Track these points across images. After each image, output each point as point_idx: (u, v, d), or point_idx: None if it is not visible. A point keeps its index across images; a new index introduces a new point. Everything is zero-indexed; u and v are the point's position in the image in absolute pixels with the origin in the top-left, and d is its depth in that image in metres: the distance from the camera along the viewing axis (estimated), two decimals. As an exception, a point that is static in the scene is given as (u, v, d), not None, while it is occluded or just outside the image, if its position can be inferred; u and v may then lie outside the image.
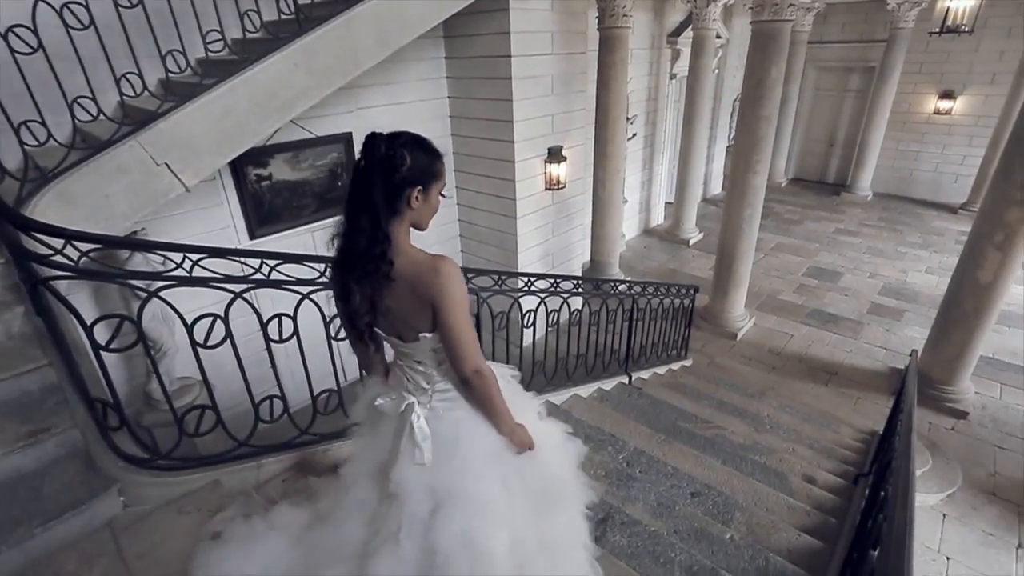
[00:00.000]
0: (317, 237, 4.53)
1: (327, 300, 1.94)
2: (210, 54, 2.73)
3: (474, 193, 5.56)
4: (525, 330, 2.90)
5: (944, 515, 3.86)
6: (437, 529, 1.31)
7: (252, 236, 4.11)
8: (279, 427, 2.08)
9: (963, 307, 4.66)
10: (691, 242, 9.18)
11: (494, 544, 1.32)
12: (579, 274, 6.66)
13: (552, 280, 3.16)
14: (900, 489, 1.27)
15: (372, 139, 1.24)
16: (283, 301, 1.91)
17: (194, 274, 1.71)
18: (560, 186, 5.51)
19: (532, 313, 2.94)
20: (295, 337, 1.93)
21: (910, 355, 3.79)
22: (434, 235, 5.65)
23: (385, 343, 1.45)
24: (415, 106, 4.97)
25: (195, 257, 1.71)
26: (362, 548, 1.39)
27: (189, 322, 1.70)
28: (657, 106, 8.86)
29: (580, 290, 3.47)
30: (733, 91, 10.91)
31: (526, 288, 2.90)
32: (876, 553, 1.18)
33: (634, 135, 8.12)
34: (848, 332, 6.37)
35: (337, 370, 2.21)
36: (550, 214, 5.75)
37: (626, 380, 4.27)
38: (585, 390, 3.78)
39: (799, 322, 6.61)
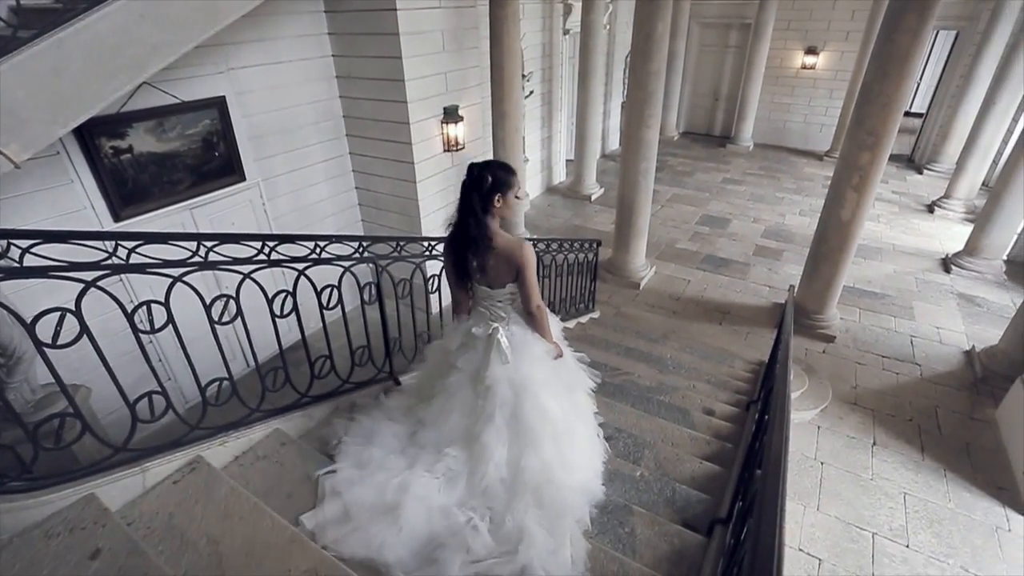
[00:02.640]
0: (197, 216, 4.10)
1: (205, 282, 1.75)
2: (23, 1, 2.29)
3: (371, 159, 5.29)
4: (431, 296, 2.82)
5: (819, 427, 4.38)
6: (518, 404, 2.07)
7: (117, 218, 3.63)
8: (169, 426, 1.88)
9: (830, 243, 5.20)
10: (593, 197, 9.43)
11: (553, 408, 2.12)
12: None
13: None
14: (777, 413, 1.40)
15: (470, 167, 1.99)
16: (159, 287, 1.69)
17: (27, 263, 1.44)
18: (459, 147, 5.38)
19: (436, 278, 2.87)
20: (170, 326, 1.72)
21: (788, 290, 4.16)
22: (330, 205, 5.34)
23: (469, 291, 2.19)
24: (296, 66, 4.57)
25: (24, 244, 1.44)
26: (466, 432, 2.10)
27: (56, 321, 1.45)
28: (552, 63, 8.85)
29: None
30: (625, 47, 11.12)
31: (427, 252, 2.81)
32: (760, 472, 1.30)
33: (531, 92, 8.07)
34: (737, 274, 6.92)
35: (226, 357, 2.03)
36: (451, 177, 5.61)
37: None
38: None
39: (695, 268, 7.07)
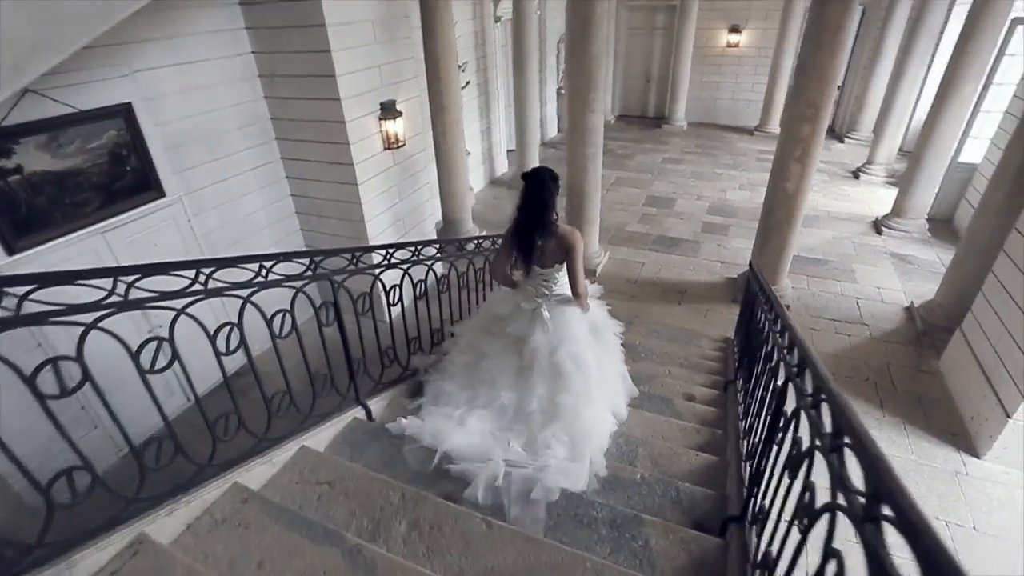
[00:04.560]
0: (113, 240, 3.62)
1: (132, 323, 1.45)
2: None
3: (306, 163, 4.90)
4: (392, 308, 2.58)
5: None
6: (556, 357, 2.51)
7: (11, 251, 3.13)
8: (100, 498, 1.55)
9: (777, 215, 5.29)
10: (539, 188, 9.30)
11: (587, 357, 2.57)
12: (433, 235, 6.36)
13: (413, 248, 2.84)
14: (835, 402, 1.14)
15: (533, 172, 2.52)
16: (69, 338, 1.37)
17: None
18: (400, 144, 5.08)
19: (397, 288, 2.63)
20: (87, 383, 1.40)
21: (749, 265, 4.17)
22: (265, 216, 4.92)
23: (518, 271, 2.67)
24: (213, 65, 4.13)
25: (21, 290, 1.13)
26: (514, 379, 2.58)
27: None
28: (486, 52, 8.61)
29: (444, 254, 3.21)
30: (556, 32, 11.03)
31: (386, 262, 2.56)
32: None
33: (467, 83, 7.82)
34: (689, 252, 6.99)
35: (164, 411, 1.70)
36: (394, 176, 5.32)
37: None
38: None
39: (647, 249, 7.09)
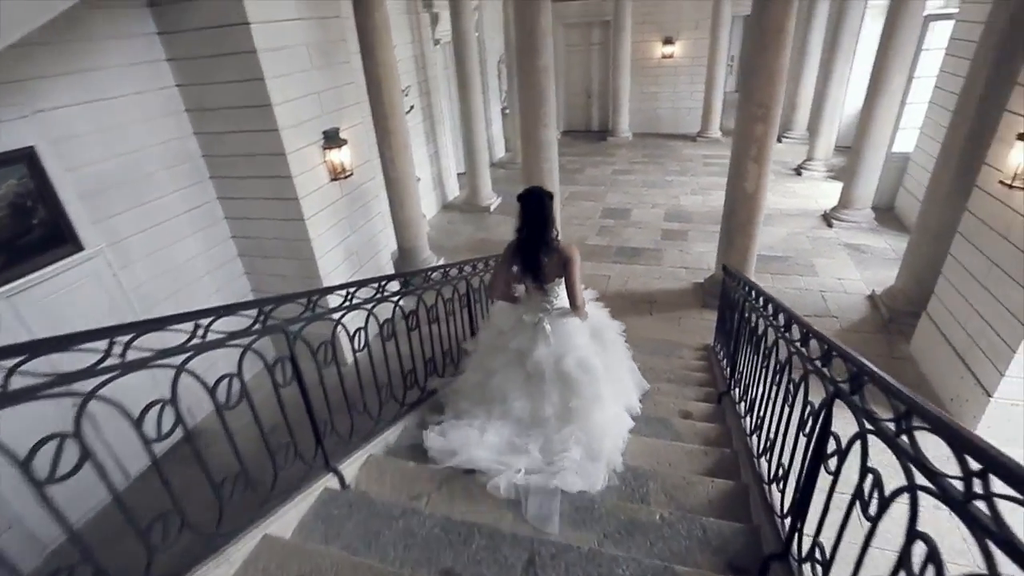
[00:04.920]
0: (20, 304, 3.14)
1: (32, 416, 1.12)
2: None
3: (246, 201, 4.52)
4: (357, 355, 2.27)
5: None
6: (563, 366, 2.60)
7: None
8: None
9: (739, 216, 5.27)
10: (492, 208, 9.13)
11: (593, 361, 2.64)
12: (389, 267, 6.03)
13: (377, 285, 2.55)
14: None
15: (529, 192, 2.65)
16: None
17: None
18: (347, 174, 4.78)
19: (362, 331, 2.33)
20: None
21: (723, 268, 4.07)
22: (204, 262, 4.49)
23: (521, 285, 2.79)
24: (130, 101, 3.73)
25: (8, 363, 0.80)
26: (525, 391, 2.68)
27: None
28: (428, 75, 8.44)
29: (410, 287, 2.93)
30: (495, 53, 11.03)
31: (347, 303, 2.26)
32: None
33: (412, 108, 7.60)
34: (652, 261, 6.93)
35: (69, 523, 1.31)
36: (343, 208, 4.99)
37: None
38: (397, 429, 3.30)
39: (611, 262, 6.99)
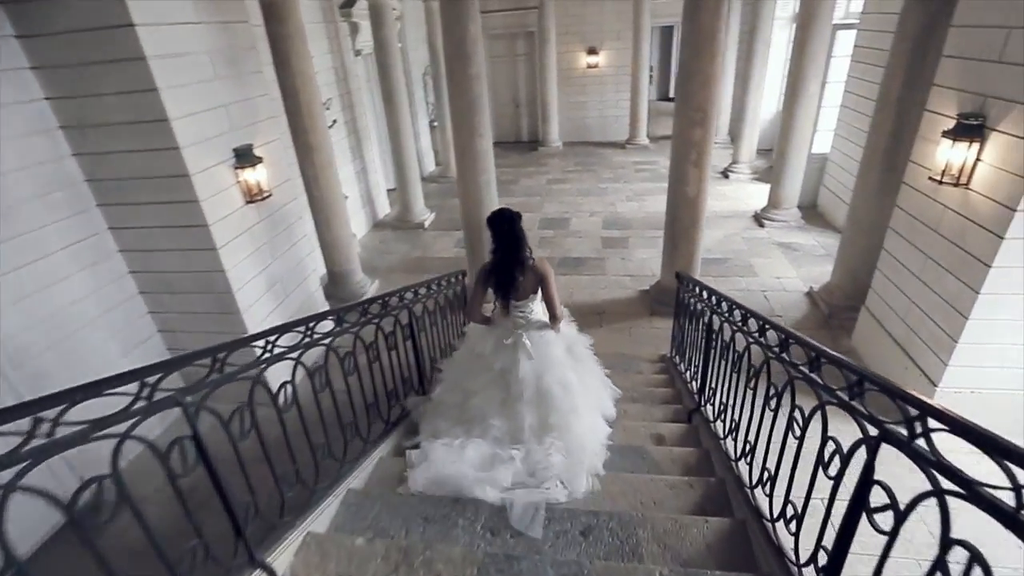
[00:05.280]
0: None
1: None
2: None
3: (145, 230, 3.93)
4: (285, 414, 1.85)
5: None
6: (542, 381, 2.70)
7: None
8: None
9: (682, 221, 5.22)
10: (426, 224, 8.74)
11: (569, 377, 2.77)
12: (319, 294, 5.53)
13: (304, 328, 2.13)
14: None
15: (500, 214, 2.72)
16: None
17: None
18: (265, 195, 4.29)
19: (288, 385, 1.92)
20: None
21: (676, 276, 3.95)
22: (94, 304, 3.84)
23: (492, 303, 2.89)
24: (-16, 119, 3.10)
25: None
26: (504, 410, 2.76)
27: None
28: (350, 87, 7.98)
29: (346, 325, 2.52)
30: (419, 64, 10.71)
31: (268, 353, 1.84)
32: None
33: (335, 122, 7.12)
34: (596, 270, 6.81)
35: None
36: (262, 233, 4.49)
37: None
38: (386, 447, 2.92)
39: (555, 273, 6.78)
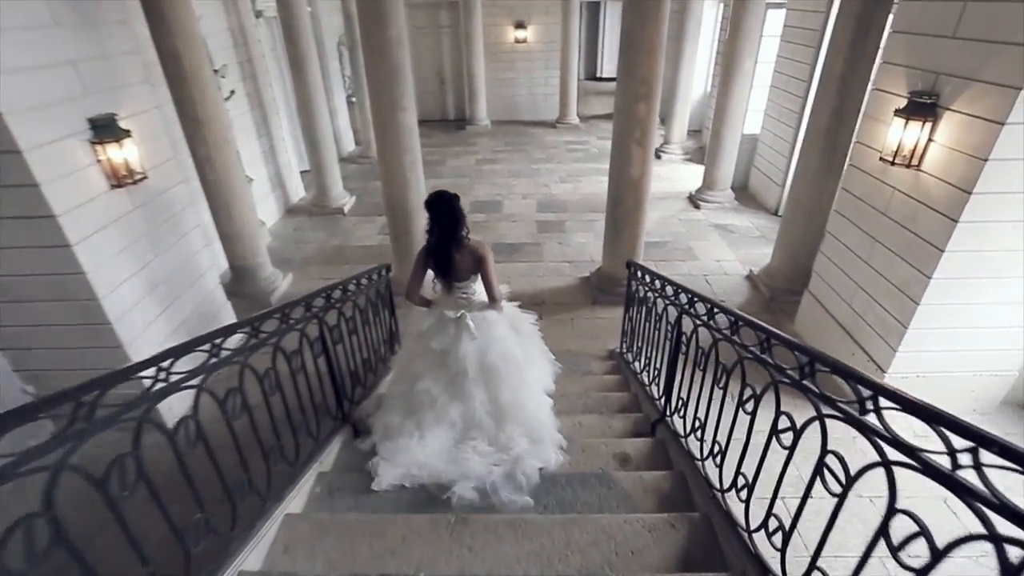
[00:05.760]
0: None
1: None
2: None
3: (-36, 224, 3.04)
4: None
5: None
6: (486, 358, 2.69)
7: None
8: None
9: (625, 204, 4.91)
10: (346, 209, 7.96)
11: (514, 351, 2.78)
12: (219, 293, 4.74)
13: (209, 346, 1.52)
14: None
15: (438, 196, 2.61)
16: None
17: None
18: (138, 178, 3.49)
19: (190, 420, 1.33)
20: None
21: (628, 266, 3.60)
22: None
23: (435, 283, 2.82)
24: None
25: None
26: (453, 391, 2.73)
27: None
28: (251, 54, 7.00)
29: (254, 342, 1.93)
30: (334, 32, 9.73)
31: (163, 381, 1.24)
32: None
33: (232, 92, 6.18)
34: (532, 257, 6.41)
35: None
36: (138, 224, 3.68)
37: (351, 434, 2.97)
38: (303, 490, 2.35)
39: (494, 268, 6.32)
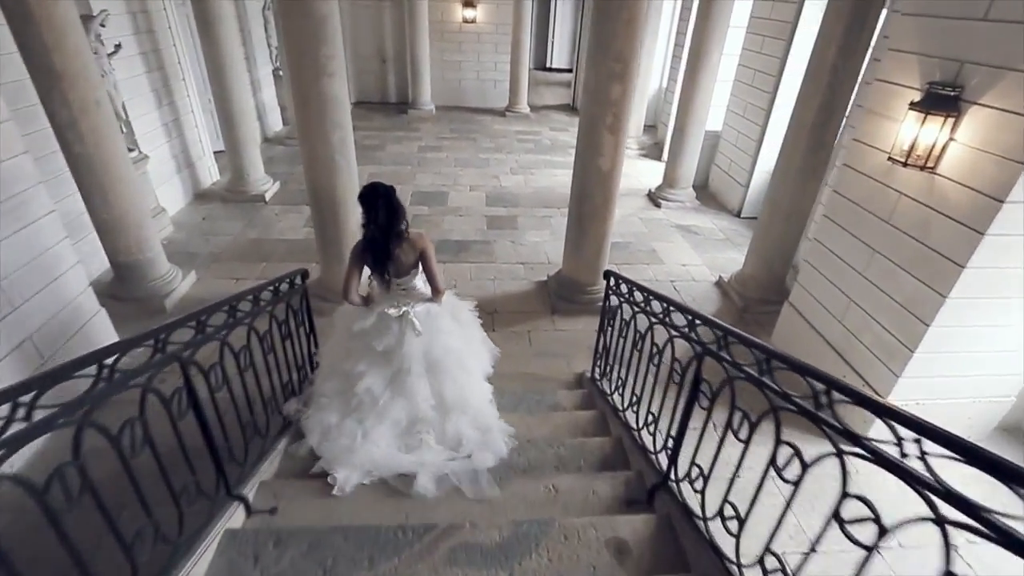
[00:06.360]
0: None
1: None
2: None
3: None
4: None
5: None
6: (430, 354, 2.62)
7: None
8: None
9: (594, 200, 4.28)
10: (268, 196, 6.91)
11: (454, 343, 2.72)
12: (87, 299, 3.72)
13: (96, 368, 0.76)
14: None
15: (373, 187, 2.42)
16: None
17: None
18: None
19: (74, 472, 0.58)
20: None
21: (606, 276, 2.96)
22: None
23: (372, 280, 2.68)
24: None
25: None
26: (396, 388, 2.61)
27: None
28: (147, 6, 5.83)
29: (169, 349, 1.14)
30: (257, -7, 8.55)
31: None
32: None
33: (118, 47, 5.04)
34: (482, 256, 5.69)
35: None
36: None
37: (243, 512, 2.13)
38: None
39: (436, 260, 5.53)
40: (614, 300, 3.04)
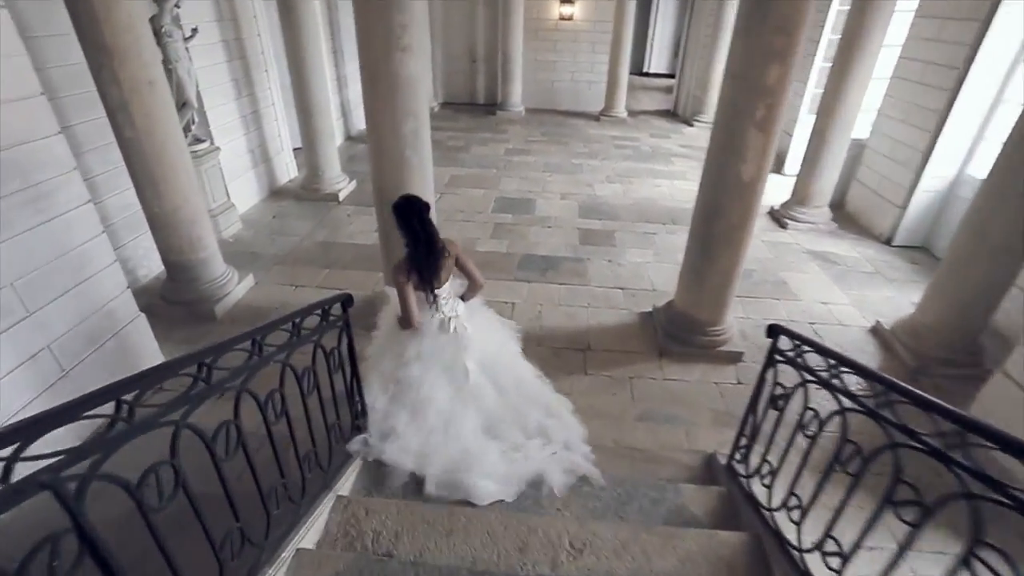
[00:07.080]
0: None
1: None
2: None
3: None
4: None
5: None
6: (486, 351, 2.67)
7: None
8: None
9: (728, 218, 3.29)
10: (342, 195, 6.45)
11: (500, 337, 2.78)
12: (127, 303, 3.25)
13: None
14: None
15: (407, 200, 2.39)
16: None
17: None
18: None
19: None
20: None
21: (771, 331, 2.00)
22: None
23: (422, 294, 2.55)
24: None
25: None
26: (459, 391, 2.61)
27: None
28: (233, -9, 5.54)
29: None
30: (348, -15, 8.20)
31: None
32: None
33: (194, 31, 4.69)
34: (575, 277, 4.82)
35: None
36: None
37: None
38: None
39: (514, 280, 4.75)
40: (785, 369, 2.05)
